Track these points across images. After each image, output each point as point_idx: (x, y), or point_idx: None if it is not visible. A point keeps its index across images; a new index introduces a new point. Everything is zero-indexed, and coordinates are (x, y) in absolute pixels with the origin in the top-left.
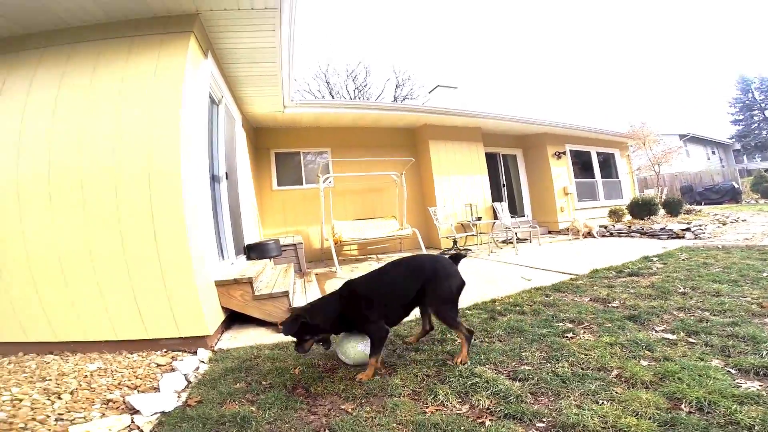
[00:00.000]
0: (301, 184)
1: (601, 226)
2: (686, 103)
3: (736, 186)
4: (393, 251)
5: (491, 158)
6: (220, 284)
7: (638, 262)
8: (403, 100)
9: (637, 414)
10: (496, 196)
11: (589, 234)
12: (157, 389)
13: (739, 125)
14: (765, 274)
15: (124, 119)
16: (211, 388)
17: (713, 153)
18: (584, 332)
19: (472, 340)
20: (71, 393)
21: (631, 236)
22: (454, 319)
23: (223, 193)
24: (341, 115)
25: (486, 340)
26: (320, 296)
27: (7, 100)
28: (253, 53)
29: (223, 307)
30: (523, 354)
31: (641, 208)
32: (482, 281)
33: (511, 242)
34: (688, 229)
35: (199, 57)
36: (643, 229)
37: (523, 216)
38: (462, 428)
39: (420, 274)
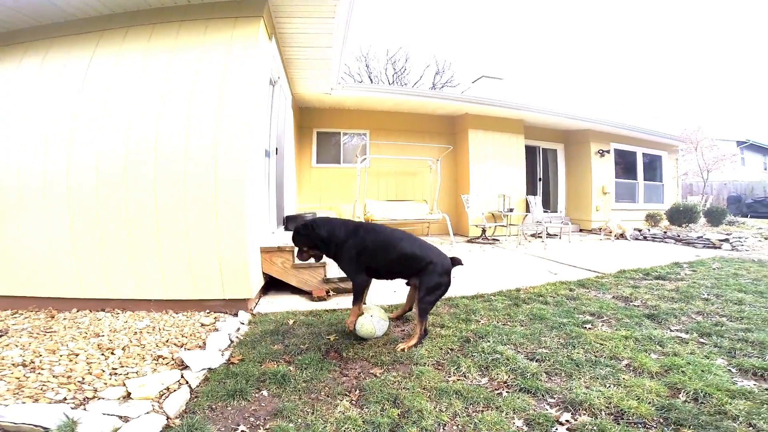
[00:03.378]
0: (339, 162)
1: (635, 229)
2: (750, 107)
3: None
4: (421, 235)
5: (531, 151)
6: (264, 251)
7: (667, 267)
8: (443, 87)
9: (638, 398)
10: (531, 189)
11: (622, 236)
12: (203, 347)
13: None
14: None
15: (198, 97)
16: (252, 348)
17: None
18: (602, 325)
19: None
20: (123, 349)
21: (665, 242)
22: (426, 312)
23: (272, 167)
24: (383, 99)
25: (509, 323)
26: (334, 217)
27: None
28: (311, 38)
29: (264, 273)
30: (542, 339)
31: (681, 215)
32: (508, 271)
33: (540, 236)
34: (726, 240)
35: (266, 40)
36: (679, 236)
37: (556, 212)
38: (481, 396)
39: (420, 261)
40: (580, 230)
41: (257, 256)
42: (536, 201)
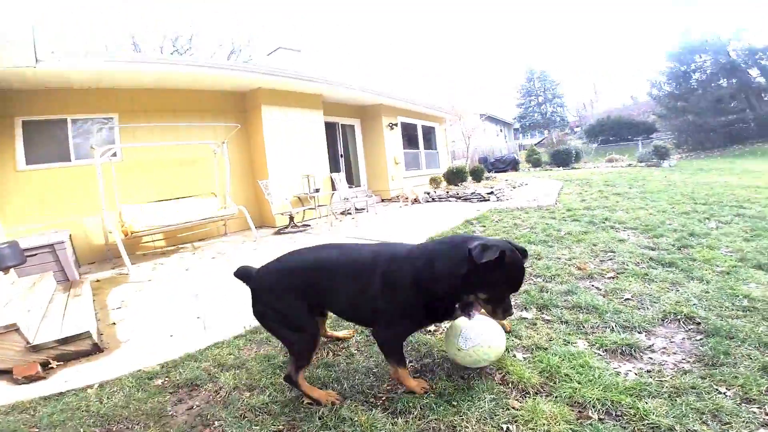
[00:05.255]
0: (69, 160)
1: (425, 192)
2: (486, 88)
3: (516, 158)
4: (216, 236)
5: (331, 127)
6: None
7: (462, 226)
8: None
9: None
10: (335, 167)
11: (416, 200)
12: None
13: (521, 108)
14: (563, 233)
15: None
16: None
17: (501, 130)
18: None
19: None
20: None
21: (449, 201)
22: None
23: None
24: (140, 72)
25: None
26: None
27: None
28: None
29: None
30: None
31: (455, 176)
32: None
33: (350, 213)
34: (492, 193)
35: None
36: (458, 194)
37: (360, 186)
38: None
39: None
40: (382, 200)
41: None
42: (341, 178)
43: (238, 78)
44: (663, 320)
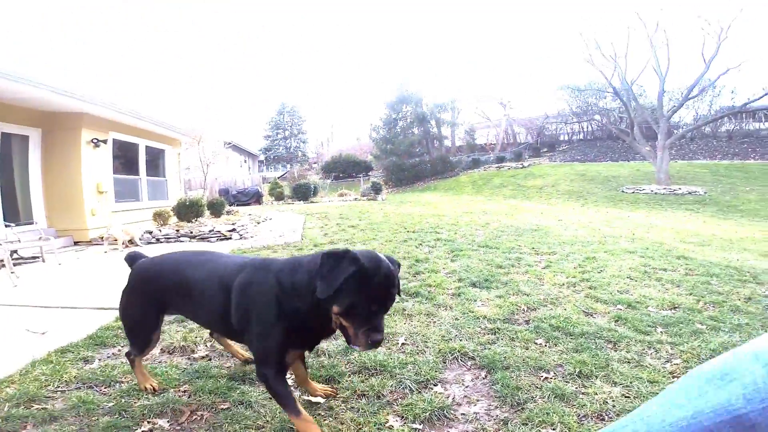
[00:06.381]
0: None
1: (146, 232)
2: (233, 116)
3: (260, 190)
4: None
5: None
6: None
7: None
8: None
9: None
10: None
11: (131, 242)
12: None
13: (268, 140)
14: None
15: None
16: None
17: (245, 161)
18: None
19: None
20: None
21: (181, 241)
22: None
23: None
24: None
25: None
26: None
27: None
28: None
29: None
30: None
31: (188, 210)
32: None
33: (4, 265)
34: (234, 230)
35: None
36: (192, 233)
37: (31, 222)
38: None
39: None
40: (76, 243)
41: None
42: None
43: None
44: (444, 362)
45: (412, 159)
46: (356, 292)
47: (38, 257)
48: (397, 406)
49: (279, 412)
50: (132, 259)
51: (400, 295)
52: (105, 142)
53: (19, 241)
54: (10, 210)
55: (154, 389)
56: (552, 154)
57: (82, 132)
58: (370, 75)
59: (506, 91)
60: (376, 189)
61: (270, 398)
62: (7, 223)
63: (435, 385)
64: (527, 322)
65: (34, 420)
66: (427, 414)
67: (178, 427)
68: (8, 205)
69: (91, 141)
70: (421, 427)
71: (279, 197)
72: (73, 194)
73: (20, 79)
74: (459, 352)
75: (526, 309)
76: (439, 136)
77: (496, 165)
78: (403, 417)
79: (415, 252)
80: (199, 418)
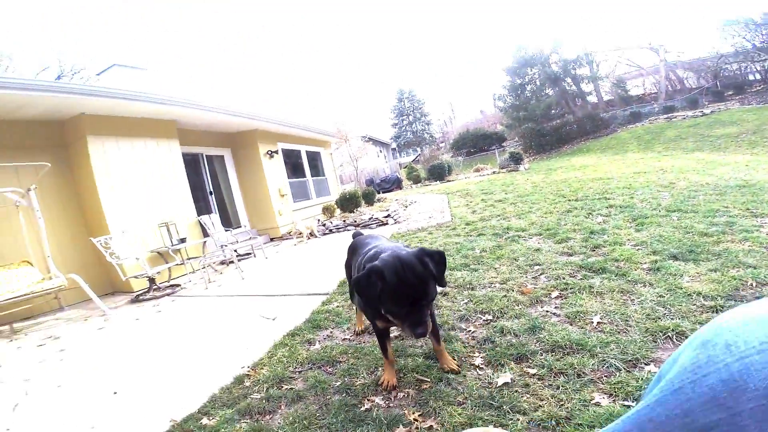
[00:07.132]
0: None
1: (320, 224)
2: (363, 110)
3: (399, 176)
4: (44, 311)
5: (192, 160)
6: None
7: None
8: None
9: None
10: (204, 208)
11: (312, 235)
12: None
13: (395, 128)
14: (477, 251)
15: None
16: None
17: (380, 151)
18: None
19: None
20: None
21: (348, 229)
22: None
23: None
24: None
25: None
26: None
27: None
28: None
29: None
30: None
31: (349, 202)
32: (206, 342)
33: (233, 262)
34: (389, 215)
35: None
36: (356, 222)
37: (240, 227)
38: None
39: None
40: (272, 239)
41: None
42: (213, 220)
43: (47, 99)
44: (655, 341)
45: (552, 122)
46: (387, 300)
47: (250, 254)
48: (603, 384)
49: (476, 388)
50: (354, 235)
51: (443, 286)
52: (276, 152)
53: (237, 242)
54: (224, 217)
55: (362, 331)
56: (742, 96)
57: (258, 146)
58: (481, 43)
59: (655, 34)
60: (516, 159)
61: (465, 376)
62: (227, 228)
63: (647, 364)
64: (758, 299)
65: (286, 400)
66: (639, 393)
67: (392, 404)
68: (223, 213)
69: (267, 153)
70: (634, 404)
71: (416, 180)
72: (263, 199)
73: (212, 110)
74: (673, 331)
75: (755, 284)
76: (581, 93)
77: (665, 116)
78: (611, 395)
79: (586, 223)
80: (405, 395)
